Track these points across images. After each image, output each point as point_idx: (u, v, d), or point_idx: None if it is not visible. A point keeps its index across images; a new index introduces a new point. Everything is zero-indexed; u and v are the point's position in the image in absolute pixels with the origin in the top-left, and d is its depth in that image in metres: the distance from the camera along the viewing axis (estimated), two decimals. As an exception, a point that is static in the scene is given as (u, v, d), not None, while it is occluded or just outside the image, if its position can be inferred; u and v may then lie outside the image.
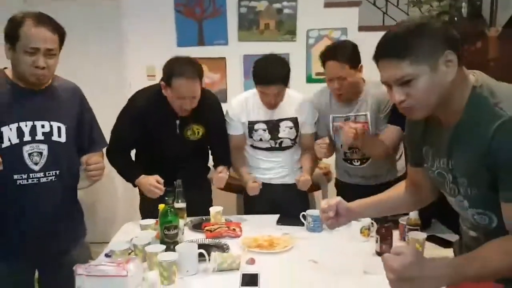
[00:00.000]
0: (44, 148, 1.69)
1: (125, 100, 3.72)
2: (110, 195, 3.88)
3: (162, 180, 2.13)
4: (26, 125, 1.65)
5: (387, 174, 2.38)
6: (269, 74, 2.19)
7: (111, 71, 3.75)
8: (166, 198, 1.73)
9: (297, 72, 3.61)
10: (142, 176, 2.20)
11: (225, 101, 3.61)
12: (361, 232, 1.97)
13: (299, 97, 2.41)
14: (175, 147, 2.25)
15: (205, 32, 3.62)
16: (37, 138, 1.67)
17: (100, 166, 1.77)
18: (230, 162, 2.45)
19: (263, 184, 2.43)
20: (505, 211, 1.09)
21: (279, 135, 2.38)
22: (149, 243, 1.73)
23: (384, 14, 3.76)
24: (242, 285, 1.55)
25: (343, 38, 3.58)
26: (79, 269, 1.53)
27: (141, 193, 2.41)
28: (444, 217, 2.02)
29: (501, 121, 1.04)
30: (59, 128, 1.72)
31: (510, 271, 1.06)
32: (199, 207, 2.23)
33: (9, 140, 1.62)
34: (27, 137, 1.65)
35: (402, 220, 1.97)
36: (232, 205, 3.51)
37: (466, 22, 2.99)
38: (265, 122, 2.37)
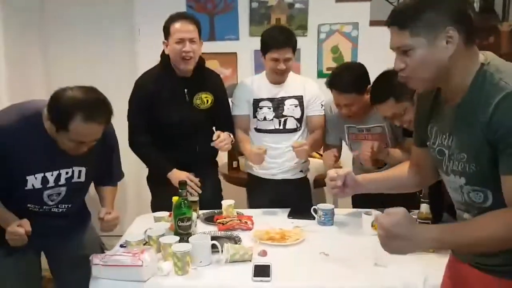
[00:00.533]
0: (63, 189, 1.73)
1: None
2: (120, 189, 3.92)
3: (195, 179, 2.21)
4: (52, 174, 1.67)
5: None
6: (281, 38, 2.28)
7: (123, 68, 3.76)
8: (180, 191, 1.76)
9: (308, 67, 3.62)
10: (175, 170, 2.23)
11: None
12: (372, 226, 1.99)
13: (305, 78, 2.51)
14: (187, 117, 2.27)
15: (216, 27, 3.63)
16: (60, 183, 1.71)
17: (116, 222, 1.80)
18: (234, 133, 2.46)
19: (267, 180, 2.44)
20: (505, 185, 1.08)
21: (284, 113, 2.39)
22: (163, 235, 1.77)
23: (395, 8, 3.74)
24: (254, 276, 1.58)
25: (354, 32, 3.58)
26: (95, 258, 1.57)
27: (153, 189, 2.45)
28: (455, 211, 2.02)
29: (504, 94, 1.05)
30: (80, 171, 1.75)
31: (503, 242, 1.08)
32: (208, 199, 2.26)
33: (33, 186, 1.65)
34: (50, 184, 1.68)
35: (413, 214, 1.97)
36: (243, 199, 3.54)
37: (479, 17, 2.97)
38: (270, 100, 2.39)
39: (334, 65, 3.62)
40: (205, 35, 3.61)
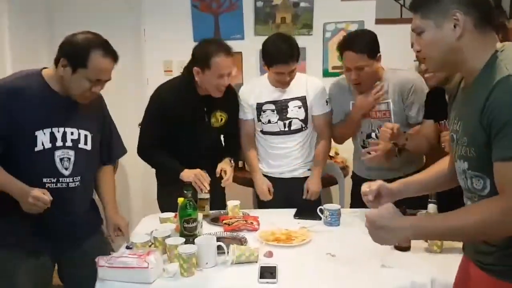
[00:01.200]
0: (72, 154, 1.74)
1: (143, 96, 3.77)
2: (126, 189, 3.94)
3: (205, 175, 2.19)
4: (58, 131, 1.70)
5: (405, 166, 2.32)
6: (286, 52, 2.23)
7: (129, 67, 3.76)
8: (185, 192, 1.76)
9: (313, 66, 3.62)
10: (186, 170, 2.22)
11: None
12: (378, 226, 1.97)
13: (307, 77, 2.47)
14: (203, 135, 2.28)
15: (221, 26, 3.63)
16: (67, 144, 1.72)
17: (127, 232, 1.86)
18: (238, 154, 2.53)
19: (275, 179, 2.45)
20: (495, 171, 1.10)
21: (288, 115, 2.37)
22: (169, 236, 1.77)
23: (401, 6, 3.71)
24: (260, 277, 1.57)
25: (360, 31, 3.56)
26: (101, 260, 1.57)
27: (160, 183, 2.46)
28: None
29: (500, 77, 1.07)
30: (86, 136, 1.78)
31: (474, 233, 1.14)
32: (213, 200, 2.26)
33: (43, 144, 1.67)
34: (59, 143, 1.70)
35: (421, 214, 1.95)
36: (249, 199, 3.53)
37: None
38: (273, 102, 2.38)
39: (339, 64, 3.59)
40: (209, 35, 3.62)
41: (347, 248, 1.84)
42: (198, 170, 2.20)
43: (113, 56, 1.69)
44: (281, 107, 2.38)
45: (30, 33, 3.40)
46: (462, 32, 1.14)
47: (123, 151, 2.06)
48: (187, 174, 2.18)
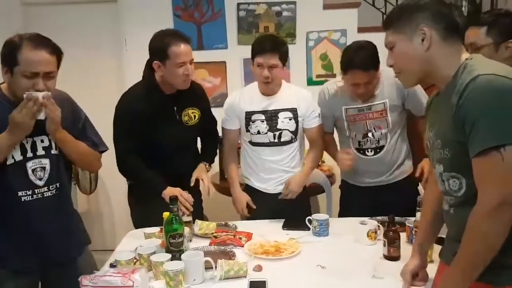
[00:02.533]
0: (46, 162, 1.69)
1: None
2: (109, 202, 3.86)
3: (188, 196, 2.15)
4: (27, 142, 1.65)
5: (396, 171, 2.36)
6: (267, 44, 2.23)
7: (109, 76, 3.73)
8: (171, 206, 1.71)
9: (297, 75, 3.61)
10: (168, 188, 2.16)
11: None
12: (368, 236, 1.95)
13: (298, 89, 2.42)
14: (176, 135, 2.22)
15: (204, 36, 3.60)
16: (38, 153, 1.67)
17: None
18: (214, 155, 2.49)
19: (262, 193, 2.39)
20: (473, 167, 1.14)
21: (278, 127, 2.30)
22: (154, 252, 1.71)
23: (383, 14, 3.74)
24: (250, 292, 1.53)
25: (342, 39, 3.58)
26: (85, 280, 1.51)
27: (132, 202, 2.40)
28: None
29: (470, 79, 1.13)
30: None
31: (490, 243, 1.13)
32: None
33: (13, 157, 1.62)
34: (29, 153, 1.65)
35: (409, 223, 1.94)
36: (234, 210, 3.48)
37: (467, 21, 2.97)
38: (263, 112, 2.30)
39: (323, 72, 3.63)
40: (193, 44, 3.57)
41: (337, 259, 1.82)
42: (180, 190, 2.15)
43: (49, 48, 1.60)
44: (271, 117, 2.31)
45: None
46: (430, 44, 1.24)
47: (104, 147, 1.97)
48: (171, 192, 2.13)
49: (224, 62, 3.62)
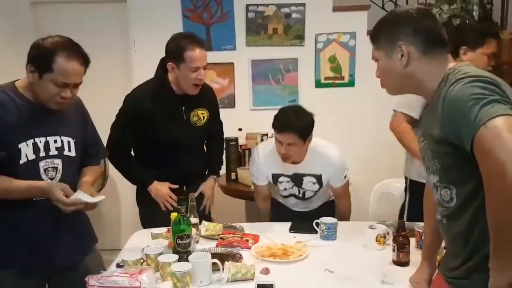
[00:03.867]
0: (58, 163, 1.68)
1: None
2: (116, 201, 3.86)
3: (174, 196, 2.21)
4: (40, 141, 1.64)
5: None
6: (284, 121, 2.09)
7: (118, 78, 3.72)
8: (179, 207, 1.70)
9: (305, 77, 3.60)
10: (155, 182, 2.20)
11: (233, 106, 3.62)
12: (376, 241, 1.93)
13: (325, 152, 2.25)
14: (183, 135, 2.23)
15: (212, 37, 3.59)
16: (51, 153, 1.66)
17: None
18: (221, 162, 2.55)
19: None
20: (476, 156, 1.05)
21: (302, 186, 2.32)
22: (161, 253, 1.70)
23: (393, 17, 3.72)
24: (257, 296, 1.52)
25: (352, 42, 3.56)
26: (91, 280, 1.50)
27: (141, 201, 2.40)
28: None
29: (449, 85, 1.14)
30: (69, 142, 1.72)
31: None
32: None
33: (26, 156, 1.61)
34: (42, 153, 1.64)
35: (419, 228, 1.92)
36: (241, 211, 3.47)
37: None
38: (288, 176, 2.30)
39: (332, 75, 3.61)
40: (201, 45, 3.59)
41: (345, 263, 1.80)
42: (168, 191, 2.23)
43: (81, 58, 1.61)
44: (296, 179, 2.30)
45: (17, 50, 3.32)
46: (409, 61, 1.24)
47: (105, 153, 2.01)
48: (156, 192, 2.22)
49: (232, 64, 3.60)
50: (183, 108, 2.24)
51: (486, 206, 1.04)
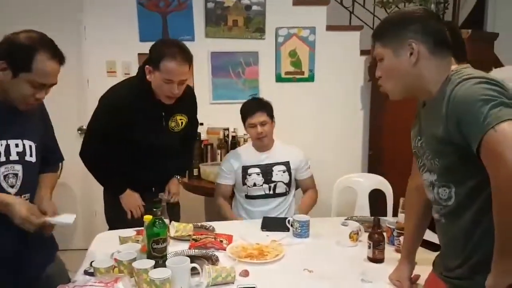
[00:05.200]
0: (19, 169, 1.53)
1: (82, 98, 3.51)
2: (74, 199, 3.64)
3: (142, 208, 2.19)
4: (1, 145, 1.48)
5: None
6: (254, 105, 2.47)
7: (67, 66, 3.43)
8: (154, 210, 1.60)
9: (266, 72, 3.57)
10: (128, 191, 2.15)
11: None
12: (350, 237, 1.94)
13: (288, 145, 2.60)
14: (160, 141, 2.13)
15: (170, 26, 3.45)
16: (11, 158, 1.51)
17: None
18: (190, 164, 2.64)
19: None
20: (482, 158, 1.06)
21: (273, 179, 2.48)
22: (135, 258, 1.59)
23: (351, 14, 3.77)
24: (240, 300, 1.46)
25: (312, 37, 3.56)
26: (63, 290, 1.38)
27: (107, 199, 2.30)
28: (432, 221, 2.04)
29: (453, 86, 1.14)
30: (30, 147, 1.57)
31: None
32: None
33: None
34: (2, 158, 1.48)
35: (390, 224, 1.96)
36: (200, 207, 3.39)
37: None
38: (258, 166, 2.48)
39: (292, 69, 3.60)
40: (157, 35, 3.44)
41: (322, 261, 1.79)
42: (139, 202, 2.19)
43: (60, 58, 1.52)
44: (266, 170, 2.47)
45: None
46: (418, 59, 1.23)
47: (63, 158, 1.86)
48: (127, 201, 2.18)
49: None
50: (163, 113, 2.14)
51: (494, 208, 1.05)
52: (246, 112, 2.45)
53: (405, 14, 1.29)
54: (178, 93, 2.04)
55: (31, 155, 1.57)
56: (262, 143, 2.47)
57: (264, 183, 2.46)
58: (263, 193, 2.47)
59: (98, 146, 2.11)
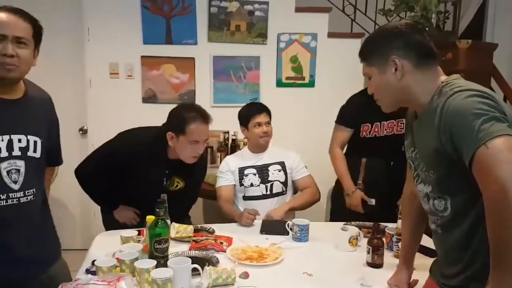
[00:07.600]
0: (21, 165, 1.51)
1: (84, 98, 3.52)
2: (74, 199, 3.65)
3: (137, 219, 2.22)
4: (2, 140, 1.47)
5: None
6: (257, 106, 2.61)
7: (70, 68, 3.52)
8: (157, 210, 1.62)
9: (267, 76, 3.59)
10: (121, 206, 2.21)
11: (193, 102, 3.53)
12: (349, 242, 1.96)
13: (284, 149, 2.66)
14: (153, 195, 2.02)
15: (173, 30, 3.47)
16: (13, 153, 1.49)
17: None
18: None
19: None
20: (474, 173, 1.07)
21: (269, 178, 2.52)
22: (136, 258, 1.61)
23: (352, 21, 3.80)
24: (241, 301, 1.48)
25: (313, 43, 3.59)
26: (65, 288, 1.39)
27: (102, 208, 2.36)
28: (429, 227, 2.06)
29: (446, 98, 1.15)
30: (35, 142, 1.55)
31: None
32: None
33: None
34: (4, 153, 1.47)
35: (389, 230, 1.98)
36: (198, 209, 3.40)
37: (437, 33, 3.08)
38: (254, 166, 2.53)
39: (293, 74, 3.62)
40: (161, 38, 3.47)
41: (322, 265, 1.80)
42: (133, 215, 2.24)
43: (20, 13, 1.51)
44: (262, 170, 2.52)
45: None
46: (403, 74, 1.25)
47: (61, 162, 1.85)
48: (121, 215, 2.24)
49: (193, 59, 3.51)
50: (167, 171, 2.19)
51: (487, 223, 1.05)
52: (251, 112, 2.52)
53: (386, 31, 1.31)
54: (201, 153, 2.13)
55: (34, 151, 1.55)
56: (265, 143, 2.54)
57: (261, 183, 2.49)
58: (261, 193, 2.50)
59: (95, 171, 2.15)
